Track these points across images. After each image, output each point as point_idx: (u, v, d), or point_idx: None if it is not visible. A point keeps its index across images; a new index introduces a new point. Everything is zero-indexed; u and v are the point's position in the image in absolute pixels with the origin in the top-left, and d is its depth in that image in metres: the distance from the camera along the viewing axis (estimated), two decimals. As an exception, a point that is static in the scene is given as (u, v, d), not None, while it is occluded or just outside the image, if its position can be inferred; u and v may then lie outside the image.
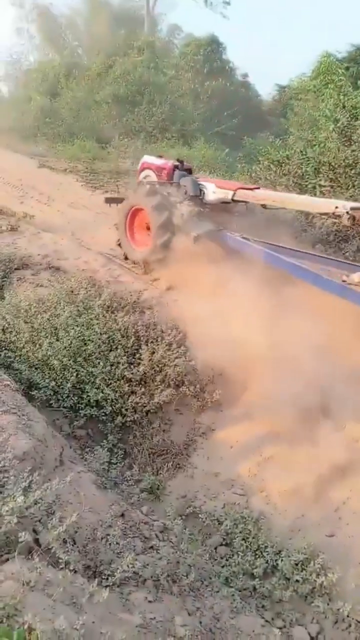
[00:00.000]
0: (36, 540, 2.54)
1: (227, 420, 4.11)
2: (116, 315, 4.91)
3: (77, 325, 4.62)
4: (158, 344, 4.53)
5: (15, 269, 6.04)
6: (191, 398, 4.26)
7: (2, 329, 4.57)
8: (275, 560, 3.06)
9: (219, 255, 5.78)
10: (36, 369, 4.24)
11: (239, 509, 3.41)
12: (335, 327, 4.34)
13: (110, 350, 4.50)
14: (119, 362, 4.38)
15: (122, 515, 3.06)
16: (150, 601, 2.51)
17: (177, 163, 7.03)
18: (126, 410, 4.15)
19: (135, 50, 20.34)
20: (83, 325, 4.67)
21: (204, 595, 2.75)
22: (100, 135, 16.07)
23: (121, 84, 18.66)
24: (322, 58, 10.65)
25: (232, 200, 6.20)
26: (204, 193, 6.47)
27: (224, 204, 6.44)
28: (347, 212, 4.82)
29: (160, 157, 7.67)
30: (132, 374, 4.33)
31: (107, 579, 2.48)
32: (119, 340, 4.60)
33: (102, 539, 2.73)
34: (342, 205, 4.95)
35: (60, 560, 2.38)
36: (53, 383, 4.14)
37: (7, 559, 2.37)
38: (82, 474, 3.21)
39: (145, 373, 4.36)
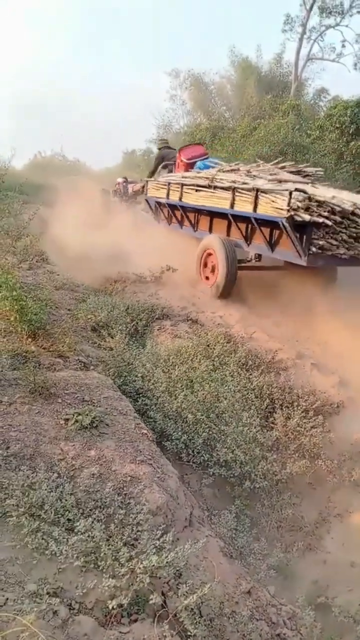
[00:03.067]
0: (162, 604, 2.49)
1: (367, 504, 3.75)
2: (251, 374, 4.85)
3: (212, 381, 4.65)
4: (294, 410, 4.35)
5: (157, 318, 6.33)
6: (327, 473, 3.97)
7: (142, 377, 4.75)
8: None
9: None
10: (170, 419, 4.30)
11: (379, 610, 3.02)
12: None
13: (243, 410, 4.42)
14: (251, 424, 4.26)
15: (249, 592, 2.88)
16: None
17: (124, 178, 14.82)
18: (255, 475, 3.99)
19: (280, 113, 21.01)
20: (218, 380, 4.68)
21: None
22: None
23: (264, 144, 19.28)
24: None
25: (134, 192, 13.78)
26: (127, 191, 14.02)
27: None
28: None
29: (123, 177, 15.00)
30: (264, 437, 4.19)
31: (234, 664, 2.32)
32: (253, 401, 4.52)
33: (228, 616, 2.59)
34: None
35: (188, 633, 2.29)
36: (185, 436, 4.15)
37: (137, 619, 2.35)
38: (210, 539, 3.12)
39: (278, 439, 4.19)
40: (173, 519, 3.01)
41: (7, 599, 2.06)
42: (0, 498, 2.60)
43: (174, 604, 2.43)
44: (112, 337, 5.54)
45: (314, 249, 5.84)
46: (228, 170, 8.16)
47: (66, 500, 2.73)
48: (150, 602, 2.29)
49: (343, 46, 25.03)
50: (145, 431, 3.74)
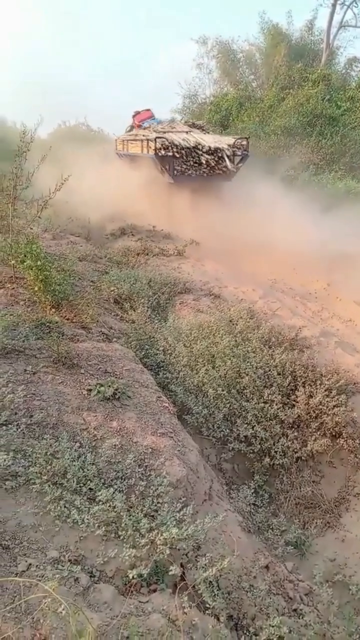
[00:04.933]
0: (182, 576, 2.51)
1: (388, 485, 3.71)
2: (273, 351, 4.79)
3: (233, 356, 4.60)
4: (316, 388, 4.30)
5: (179, 292, 6.28)
6: (348, 452, 3.93)
7: (163, 350, 4.73)
8: None
9: None
10: (191, 393, 4.29)
11: None
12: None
13: (265, 387, 4.38)
14: (272, 401, 4.24)
15: (267, 567, 2.90)
16: (294, 675, 2.30)
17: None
18: (275, 452, 3.98)
19: (309, 83, 20.29)
20: (240, 356, 4.64)
21: None
22: (267, 165, 16.21)
23: (292, 115, 18.72)
24: None
25: None
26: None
27: None
28: None
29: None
30: (285, 415, 4.16)
31: (251, 637, 2.34)
32: (275, 378, 4.47)
33: (246, 589, 2.60)
34: None
35: (207, 605, 2.31)
36: (205, 411, 4.14)
37: (156, 589, 2.37)
38: (229, 513, 3.13)
39: (299, 417, 4.15)
40: (193, 492, 3.02)
41: (30, 564, 2.10)
42: (24, 465, 2.63)
43: (193, 576, 2.45)
44: (134, 310, 5.52)
45: (175, 172, 10.27)
46: (144, 128, 13.04)
47: (88, 469, 2.75)
48: (170, 573, 2.30)
49: (378, 13, 23.77)
50: (166, 404, 3.74)
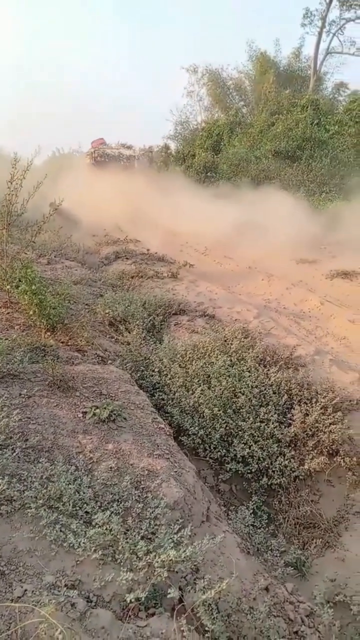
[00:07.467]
0: (180, 599, 2.48)
1: (387, 503, 3.68)
2: (269, 370, 4.80)
3: (229, 376, 4.61)
4: (312, 406, 4.30)
5: (173, 314, 6.31)
6: (345, 470, 3.92)
7: (159, 371, 4.74)
8: None
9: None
10: (187, 414, 4.29)
11: None
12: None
13: (261, 406, 4.38)
14: (269, 419, 4.23)
15: (267, 589, 2.86)
16: None
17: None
18: (273, 471, 3.97)
19: (298, 108, 20.79)
20: (235, 376, 4.65)
21: None
22: (258, 188, 16.49)
23: (282, 139, 19.14)
24: None
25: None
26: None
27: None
28: None
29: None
30: (282, 434, 4.15)
31: (252, 661, 2.30)
32: (270, 397, 4.48)
33: (246, 612, 2.56)
34: None
35: (206, 628, 2.28)
36: (202, 432, 4.14)
37: (154, 613, 2.34)
38: (227, 534, 3.10)
39: (296, 435, 4.15)
40: (190, 514, 2.99)
41: (26, 590, 2.07)
42: (19, 490, 2.61)
43: (191, 599, 2.42)
44: (129, 332, 5.54)
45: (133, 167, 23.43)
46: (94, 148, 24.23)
47: (84, 492, 2.73)
48: (168, 596, 2.28)
49: (363, 39, 24.53)
50: (162, 425, 3.73)
